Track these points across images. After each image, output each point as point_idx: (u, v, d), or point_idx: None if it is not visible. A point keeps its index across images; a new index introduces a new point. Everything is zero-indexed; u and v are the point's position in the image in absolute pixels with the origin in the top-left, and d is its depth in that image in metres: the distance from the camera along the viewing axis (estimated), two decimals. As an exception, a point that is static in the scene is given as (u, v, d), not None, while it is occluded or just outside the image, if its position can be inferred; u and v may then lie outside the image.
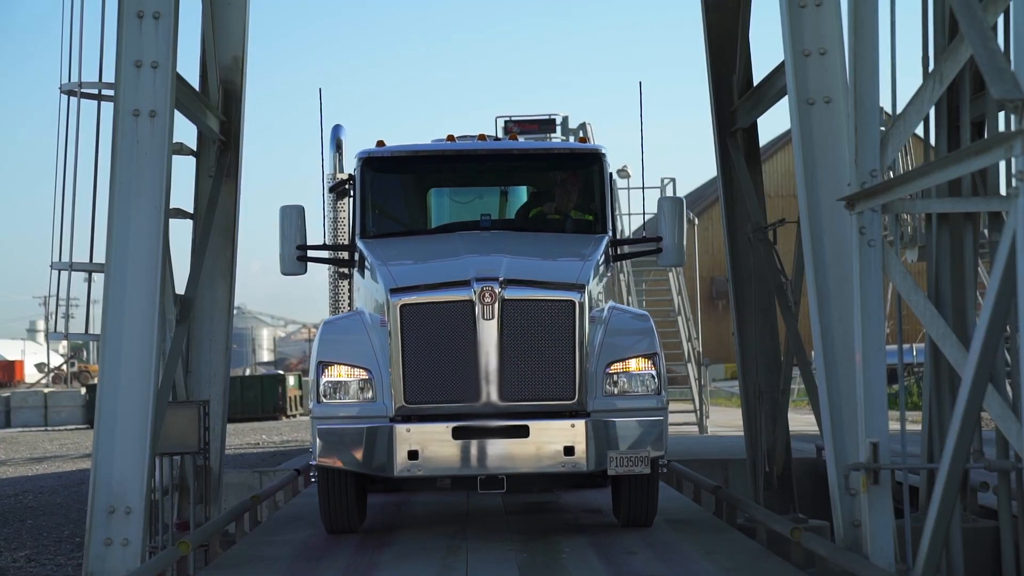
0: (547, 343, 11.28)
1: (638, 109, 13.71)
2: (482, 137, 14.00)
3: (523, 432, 11.32)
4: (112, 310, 10.89)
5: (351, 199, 13.44)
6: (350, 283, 15.80)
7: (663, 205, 13.02)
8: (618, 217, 23.67)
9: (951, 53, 9.57)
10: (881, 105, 10.09)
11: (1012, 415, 8.89)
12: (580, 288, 11.43)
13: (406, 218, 13.84)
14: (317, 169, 15.67)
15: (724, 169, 15.36)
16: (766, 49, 15.62)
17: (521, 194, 14.47)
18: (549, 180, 13.74)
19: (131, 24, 11.03)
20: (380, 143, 13.59)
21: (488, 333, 11.19)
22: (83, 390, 62.57)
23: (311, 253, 13.05)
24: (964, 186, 10.95)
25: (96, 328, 12.01)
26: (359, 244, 12.92)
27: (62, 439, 48.41)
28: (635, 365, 11.66)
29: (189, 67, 14.15)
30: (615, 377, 11.58)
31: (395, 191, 13.78)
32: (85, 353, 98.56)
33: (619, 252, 13.43)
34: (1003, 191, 10.87)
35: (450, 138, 13.97)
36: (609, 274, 13.10)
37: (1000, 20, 10.65)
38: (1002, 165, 10.62)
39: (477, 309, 11.19)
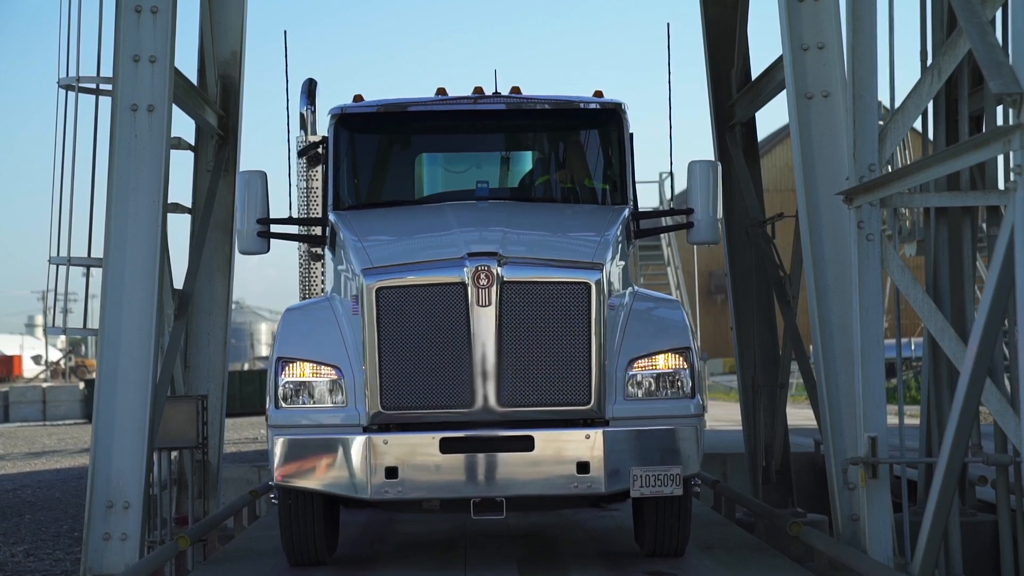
0: (556, 335, 9.51)
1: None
2: (478, 91, 11.75)
3: (527, 444, 9.53)
4: (110, 305, 10.89)
5: (324, 166, 11.50)
6: (324, 265, 13.87)
7: (694, 170, 11.05)
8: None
9: (949, 47, 9.57)
10: (879, 99, 10.09)
11: (1010, 409, 8.90)
12: (597, 267, 9.64)
13: (388, 187, 11.78)
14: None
15: (722, 163, 15.34)
16: (764, 43, 15.63)
17: (525, 160, 12.23)
18: (558, 141, 11.82)
19: (129, 18, 11.02)
20: (358, 98, 11.62)
21: (484, 322, 9.44)
22: (82, 385, 62.63)
23: (276, 228, 11.23)
24: (962, 180, 10.96)
25: (94, 323, 12.01)
26: (331, 217, 11.06)
27: (60, 434, 48.43)
28: (663, 362, 9.78)
29: (187, 61, 14.15)
30: (639, 377, 9.74)
31: (375, 155, 11.74)
32: (84, 348, 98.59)
33: (641, 227, 11.43)
34: (1001, 185, 10.88)
35: (440, 92, 11.79)
36: (631, 253, 11.06)
37: (998, 14, 10.65)
38: (1000, 159, 10.63)
39: (470, 293, 9.44)
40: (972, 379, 8.78)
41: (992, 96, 10.52)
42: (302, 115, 16.05)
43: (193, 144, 14.67)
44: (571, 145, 11.74)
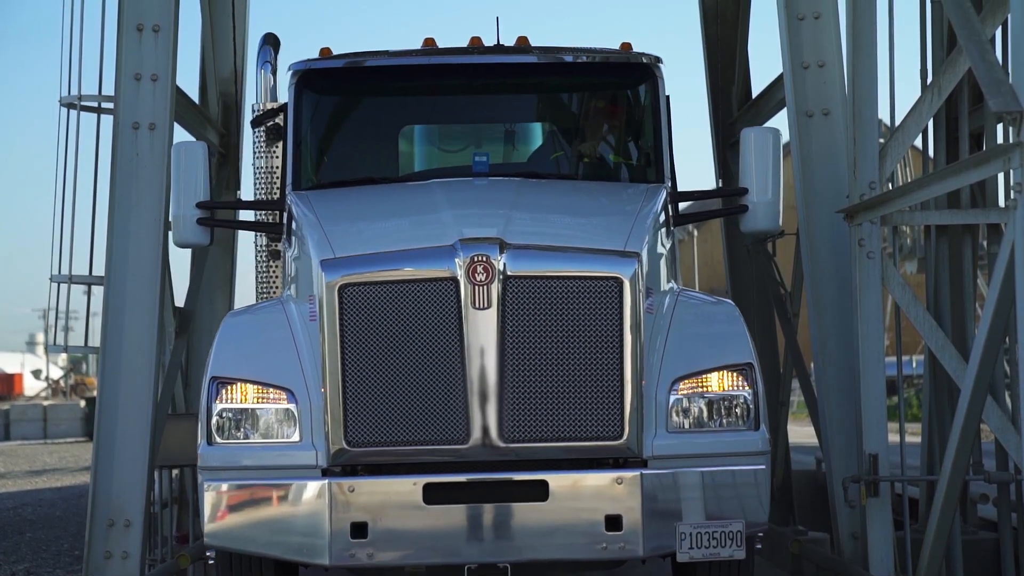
0: (577, 347, 7.44)
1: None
2: (475, 42, 9.47)
3: (539, 492, 7.38)
4: (112, 323, 10.88)
5: (284, 137, 9.49)
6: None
7: (748, 141, 9.01)
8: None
9: (949, 65, 9.60)
10: (880, 117, 10.11)
11: (1011, 427, 8.91)
12: (630, 258, 7.54)
13: (362, 162, 9.60)
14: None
15: (724, 181, 15.35)
16: (765, 61, 15.64)
17: (535, 129, 10.03)
18: (578, 105, 9.80)
19: (131, 37, 11.03)
20: (325, 52, 9.50)
21: (482, 330, 7.38)
22: (82, 403, 62.54)
23: (221, 214, 9.40)
24: (963, 198, 10.97)
25: (95, 341, 12.01)
26: (290, 199, 8.93)
27: (61, 452, 48.37)
28: (718, 382, 7.66)
29: (189, 80, 14.14)
30: (686, 402, 7.62)
31: (346, 122, 9.62)
32: (84, 366, 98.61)
33: (682, 212, 9.31)
34: (1002, 203, 10.89)
35: (428, 43, 9.56)
36: (671, 242, 8.84)
37: (998, 32, 10.67)
38: (1000, 177, 10.64)
39: (464, 291, 7.34)
40: (973, 396, 8.79)
41: (992, 114, 10.54)
42: (261, 79, 12.95)
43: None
44: (594, 110, 9.64)
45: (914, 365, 42.00)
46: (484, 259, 7.36)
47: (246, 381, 7.71)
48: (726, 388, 7.67)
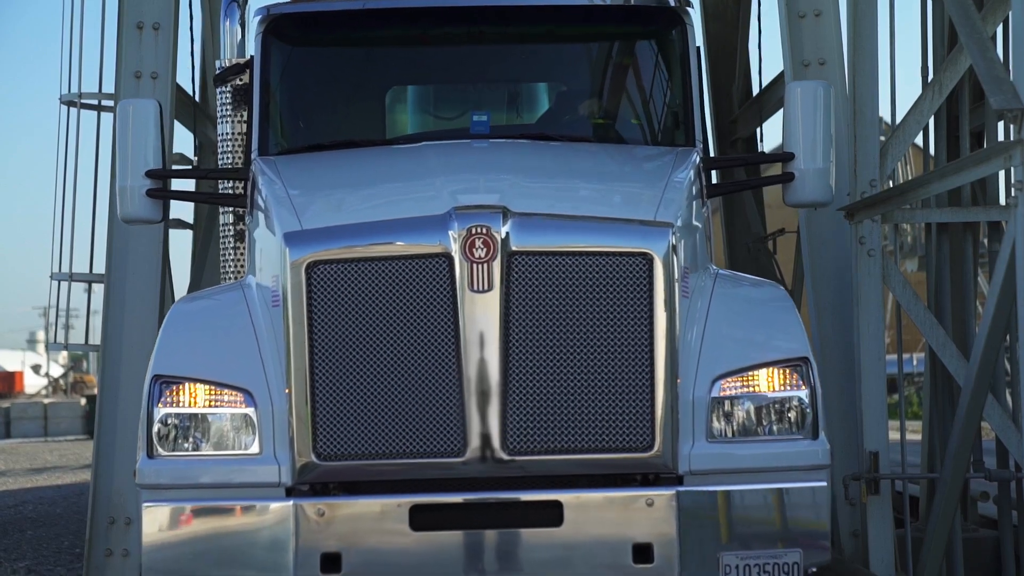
0: (597, 338, 6.24)
1: None
2: None
3: (551, 516, 6.21)
4: (112, 321, 10.89)
5: (250, 95, 8.11)
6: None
7: (794, 97, 7.50)
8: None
9: (950, 63, 9.60)
10: (880, 115, 10.11)
11: (1012, 425, 8.91)
12: (662, 228, 6.34)
13: (340, 123, 8.28)
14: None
15: (724, 179, 15.35)
16: (765, 59, 15.65)
17: (544, 94, 8.70)
18: (594, 59, 8.48)
19: (131, 35, 11.04)
20: None
21: (481, 317, 6.17)
22: (83, 401, 62.61)
23: (176, 184, 7.82)
24: (964, 196, 10.97)
25: (96, 339, 12.01)
26: (255, 166, 7.58)
27: (62, 450, 48.38)
28: (767, 380, 6.44)
29: (189, 77, 14.13)
30: (729, 404, 6.41)
31: (321, 78, 8.22)
32: (85, 364, 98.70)
33: (715, 183, 8.24)
34: (1003, 201, 10.88)
35: None
36: (707, 213, 7.51)
37: (999, 30, 10.66)
38: (1001, 175, 10.64)
39: (460, 271, 6.13)
40: (974, 395, 8.79)
41: (993, 112, 10.53)
42: (226, 31, 11.61)
43: (194, 159, 14.68)
44: (613, 63, 8.45)
45: (914, 363, 41.98)
46: (484, 231, 6.15)
47: (195, 380, 6.47)
48: (777, 388, 6.47)
